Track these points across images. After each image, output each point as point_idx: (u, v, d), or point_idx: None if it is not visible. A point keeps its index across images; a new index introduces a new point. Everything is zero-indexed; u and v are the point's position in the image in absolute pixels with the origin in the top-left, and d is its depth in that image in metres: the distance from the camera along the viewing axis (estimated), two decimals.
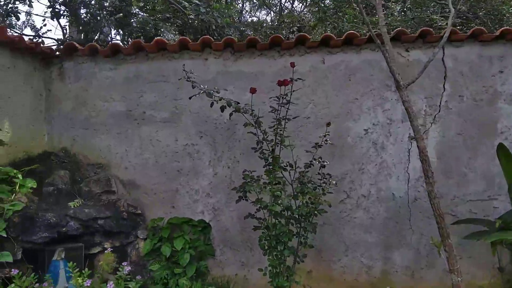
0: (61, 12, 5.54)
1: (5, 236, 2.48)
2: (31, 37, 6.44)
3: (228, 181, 3.33)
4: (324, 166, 2.61)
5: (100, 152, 3.59)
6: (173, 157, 3.43)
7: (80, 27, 5.44)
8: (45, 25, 10.55)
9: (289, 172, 2.65)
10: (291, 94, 2.56)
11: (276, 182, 2.54)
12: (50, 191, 2.98)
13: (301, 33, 3.15)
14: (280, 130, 2.55)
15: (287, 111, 2.55)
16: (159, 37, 3.27)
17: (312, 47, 3.20)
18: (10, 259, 2.40)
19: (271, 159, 2.57)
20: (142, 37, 5.36)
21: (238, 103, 2.59)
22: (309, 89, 3.21)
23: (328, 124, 2.63)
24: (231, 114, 2.57)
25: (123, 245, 3.19)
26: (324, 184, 2.59)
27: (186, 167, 3.40)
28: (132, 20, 5.56)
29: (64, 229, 2.82)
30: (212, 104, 2.62)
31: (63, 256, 2.86)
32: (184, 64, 2.70)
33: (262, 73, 3.28)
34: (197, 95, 2.58)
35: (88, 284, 2.44)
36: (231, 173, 3.33)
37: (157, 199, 3.44)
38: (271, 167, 2.55)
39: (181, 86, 3.36)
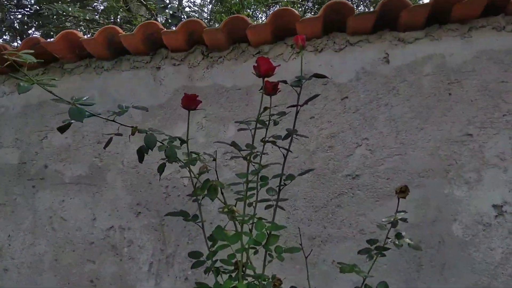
0: None
1: None
2: None
3: None
4: None
5: None
6: (85, 253, 2.04)
7: None
8: None
9: None
10: (296, 116, 1.22)
11: None
12: None
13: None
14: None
15: (284, 162, 1.17)
16: (69, 30, 2.10)
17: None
18: None
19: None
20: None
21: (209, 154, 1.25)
22: (355, 113, 1.83)
23: (402, 193, 1.17)
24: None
25: None
26: None
27: (107, 274, 1.98)
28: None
29: None
30: (141, 158, 1.29)
31: None
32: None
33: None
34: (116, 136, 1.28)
35: None
36: None
37: None
38: None
39: (120, 120, 2.10)
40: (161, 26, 1.94)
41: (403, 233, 1.20)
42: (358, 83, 1.74)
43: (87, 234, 2.06)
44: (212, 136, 1.93)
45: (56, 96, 1.13)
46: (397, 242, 1.14)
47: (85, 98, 1.26)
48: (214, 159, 1.35)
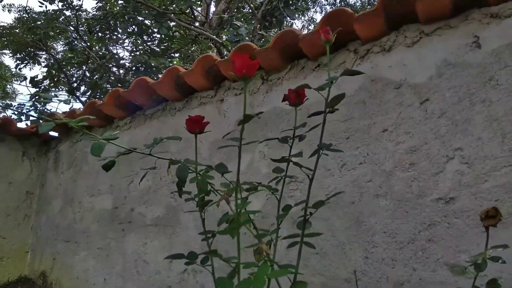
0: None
1: None
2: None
3: None
4: None
5: (77, 282, 2.60)
6: None
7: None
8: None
9: None
10: (323, 127, 1.03)
11: None
12: None
13: None
14: None
15: None
16: (142, 77, 2.30)
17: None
18: None
19: None
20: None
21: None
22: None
23: (491, 219, 0.84)
24: None
25: None
26: None
27: None
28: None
29: None
30: (180, 191, 1.30)
31: None
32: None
33: None
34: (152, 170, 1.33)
35: None
36: None
37: None
38: None
39: (185, 155, 2.19)
40: (216, 57, 1.98)
41: (501, 279, 0.85)
42: (441, 79, 1.43)
43: (165, 278, 2.11)
44: (275, 165, 1.81)
45: (121, 146, 1.20)
46: None
47: (115, 133, 1.31)
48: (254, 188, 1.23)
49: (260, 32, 5.18)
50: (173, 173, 1.25)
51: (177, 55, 7.30)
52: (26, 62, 6.07)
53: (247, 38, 4.98)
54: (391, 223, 1.43)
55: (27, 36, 5.41)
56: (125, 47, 6.89)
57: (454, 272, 0.87)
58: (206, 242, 1.30)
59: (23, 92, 21.39)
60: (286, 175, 1.11)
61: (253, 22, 5.33)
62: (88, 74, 6.39)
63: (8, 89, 13.03)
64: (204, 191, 1.22)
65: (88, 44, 5.86)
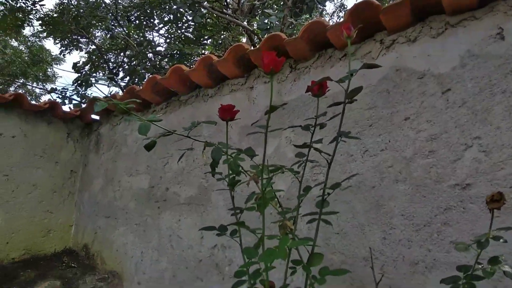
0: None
1: None
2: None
3: None
4: None
5: (117, 254, 2.84)
6: (195, 271, 2.25)
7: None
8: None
9: None
10: (342, 116, 1.11)
11: None
12: None
13: None
14: None
15: None
16: (177, 65, 2.45)
17: None
18: None
19: None
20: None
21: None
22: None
23: (495, 203, 0.92)
24: None
25: None
26: None
27: None
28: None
29: None
30: (213, 171, 1.46)
31: None
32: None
33: None
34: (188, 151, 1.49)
35: None
36: None
37: None
38: None
39: (216, 139, 2.33)
40: (247, 46, 2.09)
41: (503, 258, 0.93)
42: (464, 70, 1.47)
43: (196, 252, 2.28)
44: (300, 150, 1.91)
45: (162, 127, 1.35)
46: (488, 269, 0.89)
47: (158, 115, 1.47)
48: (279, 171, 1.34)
49: (290, 20, 5.21)
50: (208, 155, 1.39)
51: (209, 41, 7.47)
52: (70, 48, 6.45)
53: (277, 22, 5.04)
54: (409, 206, 1.51)
55: (71, 24, 5.75)
56: (161, 35, 7.14)
57: (458, 248, 0.96)
58: (235, 219, 1.44)
59: (62, 75, 22.33)
60: (307, 160, 1.21)
61: (283, 9, 5.38)
62: (126, 60, 6.72)
63: (48, 73, 13.74)
64: (235, 171, 1.35)
65: (126, 31, 6.12)
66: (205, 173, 2.35)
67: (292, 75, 2.07)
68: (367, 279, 1.55)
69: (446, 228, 1.41)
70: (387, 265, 1.52)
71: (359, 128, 1.72)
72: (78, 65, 6.45)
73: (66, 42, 6.40)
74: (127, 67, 6.64)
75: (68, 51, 6.63)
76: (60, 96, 5.89)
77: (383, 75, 1.70)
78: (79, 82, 5.59)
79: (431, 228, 1.45)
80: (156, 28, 6.65)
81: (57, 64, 13.74)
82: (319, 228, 1.76)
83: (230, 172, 1.37)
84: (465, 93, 1.46)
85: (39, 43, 12.88)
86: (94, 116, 3.56)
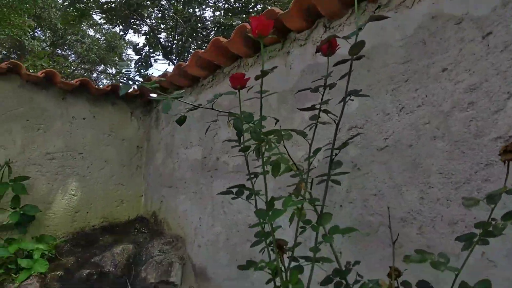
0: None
1: None
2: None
3: None
4: None
5: (179, 220, 3.08)
6: (245, 234, 2.37)
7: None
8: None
9: None
10: (349, 75, 1.08)
11: None
12: (84, 276, 2.64)
13: None
14: None
15: None
16: (216, 37, 2.48)
17: None
18: None
19: None
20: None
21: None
22: None
23: (510, 153, 0.84)
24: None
25: None
26: None
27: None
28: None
29: None
30: (239, 140, 1.57)
31: None
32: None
33: None
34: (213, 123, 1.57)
35: None
36: None
37: None
38: None
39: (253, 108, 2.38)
40: (279, 10, 2.05)
41: None
42: (506, 9, 1.31)
43: (245, 216, 2.39)
44: (335, 111, 1.87)
45: (186, 102, 1.44)
46: (500, 225, 0.83)
47: (181, 91, 1.54)
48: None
49: None
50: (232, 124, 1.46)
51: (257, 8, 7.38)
52: (127, 32, 6.85)
53: None
54: (448, 164, 1.42)
55: (124, 9, 6.08)
56: (210, 6, 7.21)
57: (466, 203, 0.90)
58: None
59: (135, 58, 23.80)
60: (318, 122, 1.20)
61: None
62: (178, 38, 6.95)
63: (123, 57, 14.76)
64: (257, 139, 1.40)
65: (173, 10, 6.27)
66: (223, 141, 2.45)
67: (327, 34, 2.00)
68: (404, 238, 1.51)
69: (487, 185, 1.31)
70: (425, 225, 1.47)
71: (394, 84, 1.63)
72: (137, 47, 6.85)
73: (124, 26, 6.78)
74: (178, 44, 6.87)
75: (126, 34, 7.03)
76: (125, 79, 6.34)
77: (418, 24, 1.58)
78: (139, 63, 5.96)
79: (471, 186, 1.36)
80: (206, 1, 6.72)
81: (130, 48, 14.71)
82: (357, 190, 1.74)
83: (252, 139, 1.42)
84: (507, 35, 1.30)
85: (112, 30, 13.81)
86: (153, 95, 3.79)
